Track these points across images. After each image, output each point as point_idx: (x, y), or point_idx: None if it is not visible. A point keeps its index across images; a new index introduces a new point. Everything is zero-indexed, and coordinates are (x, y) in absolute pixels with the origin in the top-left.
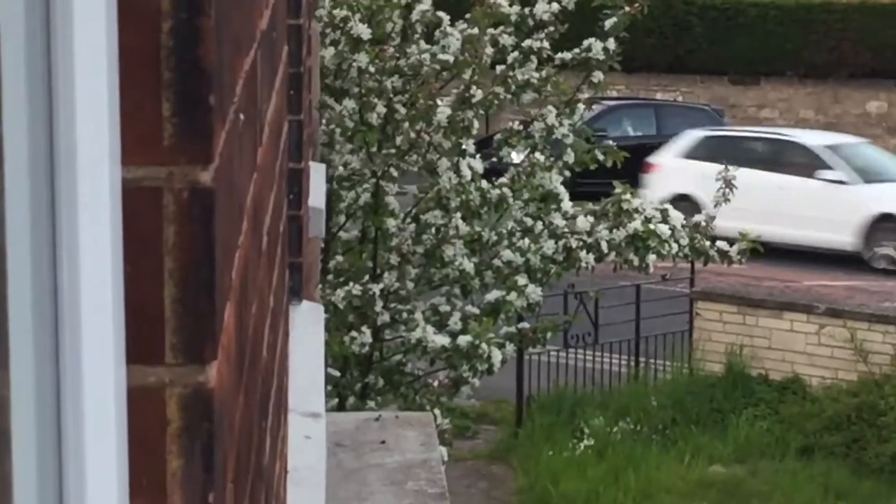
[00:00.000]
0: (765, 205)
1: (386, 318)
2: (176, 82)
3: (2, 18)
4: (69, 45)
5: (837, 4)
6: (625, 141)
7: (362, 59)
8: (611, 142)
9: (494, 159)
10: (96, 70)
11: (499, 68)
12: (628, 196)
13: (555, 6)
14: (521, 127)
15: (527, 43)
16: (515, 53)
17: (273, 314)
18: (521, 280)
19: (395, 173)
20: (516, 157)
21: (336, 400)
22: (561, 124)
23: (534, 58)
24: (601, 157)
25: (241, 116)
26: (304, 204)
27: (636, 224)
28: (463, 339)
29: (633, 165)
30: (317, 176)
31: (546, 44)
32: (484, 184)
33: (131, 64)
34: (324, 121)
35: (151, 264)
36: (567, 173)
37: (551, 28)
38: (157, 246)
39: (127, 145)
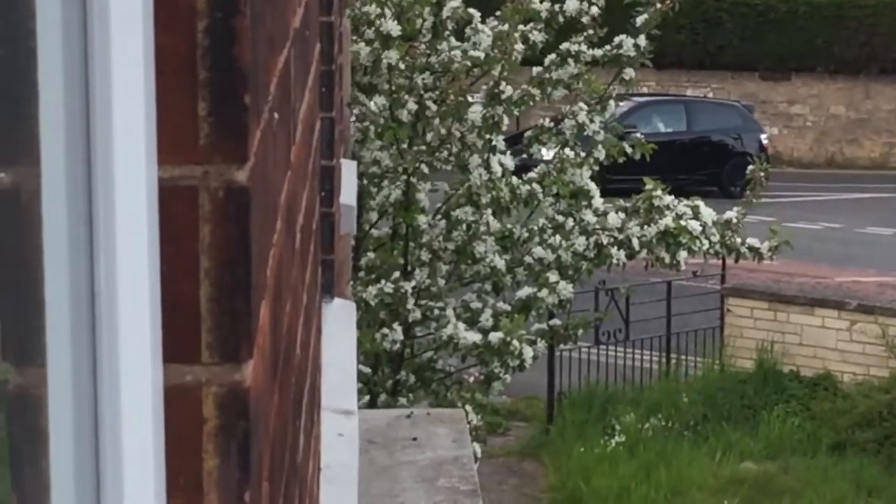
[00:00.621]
0: None
1: (417, 314)
2: (212, 81)
3: (39, 20)
4: (106, 45)
5: (868, 0)
6: (655, 137)
7: (392, 55)
8: (640, 135)
9: (525, 156)
10: (133, 70)
11: (534, 70)
12: (659, 192)
13: (592, 8)
14: (551, 124)
15: (564, 45)
16: (553, 56)
17: (306, 312)
18: (553, 277)
19: (426, 170)
20: (546, 153)
21: (368, 397)
22: (592, 121)
23: (571, 61)
24: (629, 151)
25: (276, 115)
26: (335, 201)
27: (667, 221)
28: (494, 336)
29: (665, 161)
30: (348, 173)
31: (584, 47)
32: (514, 180)
33: (168, 64)
34: (354, 117)
35: (188, 263)
36: (596, 168)
37: (590, 31)
38: (193, 245)
39: (163, 145)
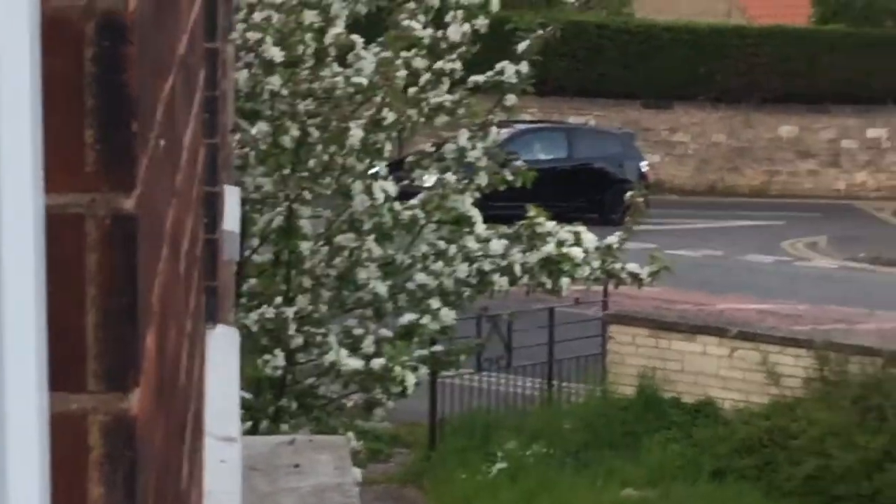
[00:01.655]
0: None
1: (299, 341)
2: (99, 109)
3: None
4: None
5: (750, 29)
6: (536, 164)
7: (275, 81)
8: (521, 162)
9: (407, 182)
10: (20, 96)
11: (411, 90)
12: (542, 219)
13: (467, 27)
14: (433, 149)
15: (438, 64)
16: (428, 75)
17: (190, 339)
18: (435, 303)
19: (308, 196)
20: (429, 179)
21: (250, 423)
22: (474, 147)
23: (445, 79)
24: (510, 178)
25: (162, 142)
26: (218, 227)
27: (549, 247)
28: (376, 362)
29: (546, 188)
30: (231, 199)
31: (458, 65)
32: (397, 206)
33: (55, 90)
34: (236, 143)
35: (74, 291)
36: (478, 195)
37: (463, 48)
38: (79, 273)
39: (50, 172)
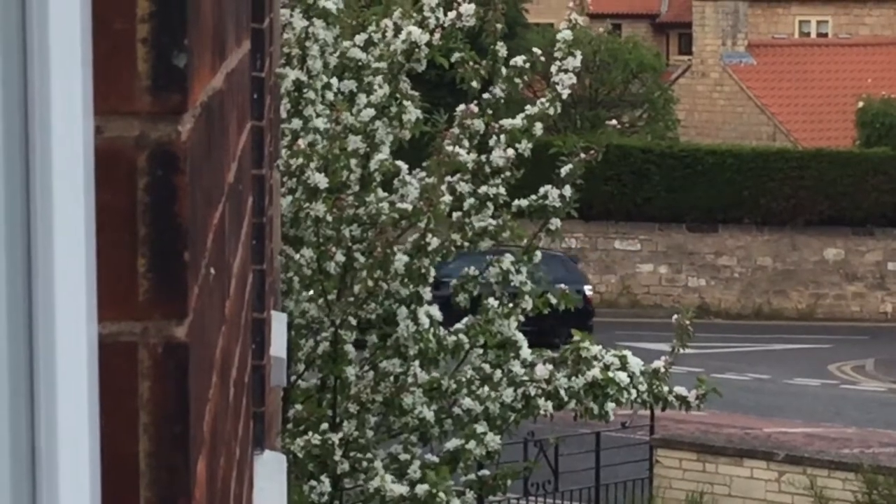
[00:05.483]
0: None
1: (345, 466)
2: (152, 238)
3: None
4: (48, 202)
5: (793, 152)
6: None
7: (319, 208)
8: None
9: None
10: (74, 227)
11: (455, 215)
12: (587, 343)
13: (510, 151)
14: (476, 273)
15: (482, 189)
16: (472, 200)
17: (239, 465)
18: (481, 428)
19: (353, 322)
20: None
21: None
22: (518, 271)
23: (490, 204)
24: (554, 302)
25: (212, 270)
26: (266, 353)
27: (595, 371)
28: (421, 488)
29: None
30: (278, 325)
31: (502, 189)
32: (441, 331)
33: (108, 221)
34: (281, 269)
35: (127, 419)
36: (522, 319)
37: (507, 173)
38: (132, 400)
39: (103, 301)
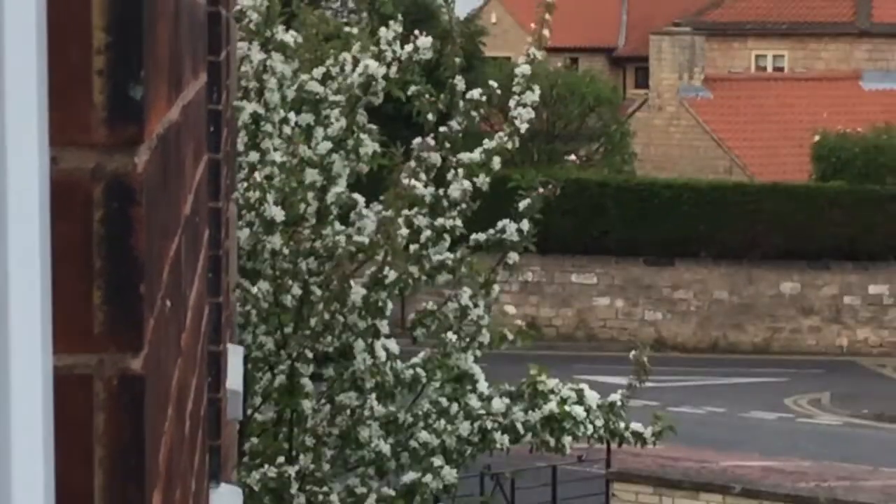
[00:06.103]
0: None
1: (302, 500)
2: (107, 270)
3: None
4: (3, 233)
5: (750, 186)
6: None
7: (276, 241)
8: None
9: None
10: (29, 259)
11: (412, 248)
12: (543, 377)
13: (468, 184)
14: (434, 307)
15: (440, 222)
16: (429, 233)
17: (195, 498)
18: (437, 461)
19: (309, 355)
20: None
21: None
22: (476, 305)
23: (447, 237)
24: (510, 338)
25: (168, 302)
26: (222, 386)
27: (552, 405)
28: None
29: None
30: (235, 358)
31: (459, 222)
32: (399, 364)
33: (64, 252)
34: (237, 302)
35: (82, 452)
36: (479, 354)
37: (464, 206)
38: (87, 433)
39: (58, 333)
